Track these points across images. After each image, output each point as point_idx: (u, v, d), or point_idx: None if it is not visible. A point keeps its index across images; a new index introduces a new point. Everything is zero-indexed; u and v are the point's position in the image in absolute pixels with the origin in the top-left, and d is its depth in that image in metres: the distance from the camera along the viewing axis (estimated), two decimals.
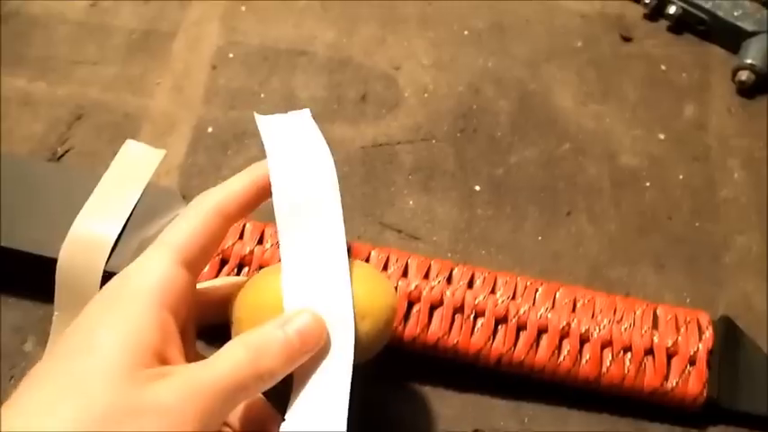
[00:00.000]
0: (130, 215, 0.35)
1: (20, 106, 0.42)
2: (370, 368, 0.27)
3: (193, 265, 0.25)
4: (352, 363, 0.24)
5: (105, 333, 0.22)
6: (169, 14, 0.46)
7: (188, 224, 0.25)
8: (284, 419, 0.24)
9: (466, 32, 0.46)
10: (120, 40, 0.45)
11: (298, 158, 0.27)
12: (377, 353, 0.27)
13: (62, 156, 0.40)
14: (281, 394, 0.25)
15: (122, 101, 0.42)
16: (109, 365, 0.21)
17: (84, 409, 0.20)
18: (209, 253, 0.26)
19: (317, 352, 0.24)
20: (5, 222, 0.34)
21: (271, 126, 0.28)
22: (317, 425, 0.23)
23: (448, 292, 0.32)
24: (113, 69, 0.44)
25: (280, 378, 0.24)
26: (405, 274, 0.33)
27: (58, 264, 0.33)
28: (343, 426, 0.23)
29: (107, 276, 0.32)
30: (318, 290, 0.25)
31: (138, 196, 0.35)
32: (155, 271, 0.24)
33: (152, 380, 0.21)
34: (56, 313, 0.33)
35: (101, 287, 0.32)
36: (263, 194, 0.27)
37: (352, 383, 0.24)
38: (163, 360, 0.23)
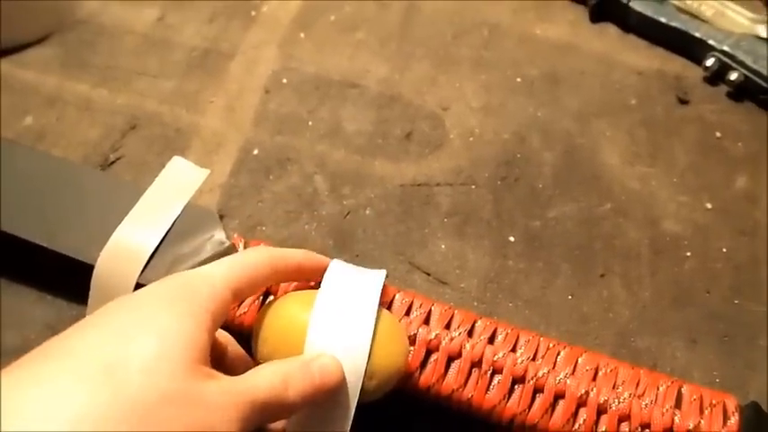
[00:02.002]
0: (168, 231, 0.36)
1: (79, 111, 0.44)
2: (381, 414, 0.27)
3: (236, 296, 0.26)
4: (352, 416, 0.25)
5: (169, 321, 0.23)
6: (231, 36, 0.47)
7: (244, 259, 0.27)
8: None
9: (518, 79, 0.46)
10: (180, 56, 0.46)
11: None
12: (374, 401, 0.28)
13: (113, 163, 0.42)
14: None
15: (176, 115, 0.44)
16: (174, 354, 0.22)
17: (149, 389, 0.21)
18: (248, 293, 0.27)
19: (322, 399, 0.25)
20: (49, 224, 0.35)
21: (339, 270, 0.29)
22: None
23: (468, 345, 0.32)
24: (171, 84, 0.45)
25: (295, 411, 0.24)
26: (427, 321, 0.33)
27: (95, 271, 0.34)
28: None
29: (138, 288, 0.33)
30: (341, 338, 0.26)
31: (178, 213, 0.36)
32: (218, 289, 0.25)
33: (205, 377, 0.23)
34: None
35: None
36: (302, 277, 0.30)
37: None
38: (207, 363, 0.24)
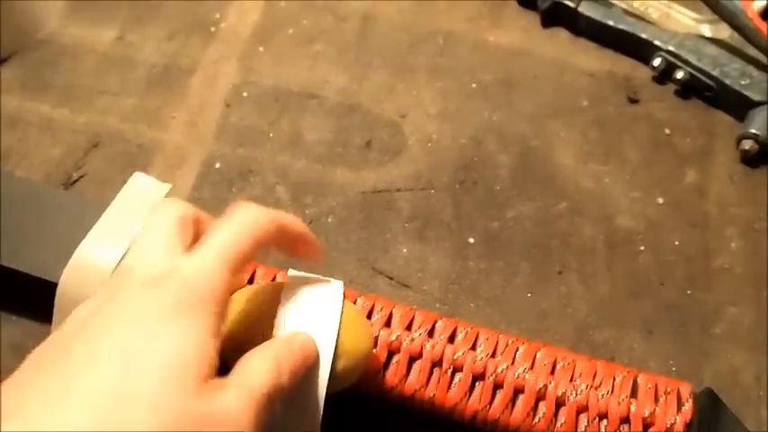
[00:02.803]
0: (131, 245, 0.36)
1: (41, 131, 0.44)
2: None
3: (236, 273, 0.26)
4: (325, 393, 0.27)
5: (173, 343, 0.23)
6: (190, 52, 0.48)
7: (240, 231, 0.26)
8: None
9: (474, 85, 0.47)
10: (141, 74, 0.47)
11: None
12: (342, 389, 0.29)
13: (76, 181, 0.42)
14: None
15: (138, 132, 0.44)
16: (181, 381, 0.22)
17: (157, 417, 0.21)
18: (244, 267, 0.27)
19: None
20: (11, 243, 0.36)
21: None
22: None
23: (428, 345, 0.33)
24: (132, 101, 0.45)
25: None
26: (388, 323, 0.33)
27: (59, 288, 0.34)
28: None
29: None
30: (310, 318, 0.28)
31: (141, 227, 0.37)
32: (218, 281, 0.24)
33: (215, 390, 0.23)
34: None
35: None
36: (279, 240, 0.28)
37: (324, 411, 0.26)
38: (215, 370, 0.24)
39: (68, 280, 0.34)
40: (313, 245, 0.30)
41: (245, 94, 0.46)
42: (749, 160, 0.43)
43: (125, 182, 0.38)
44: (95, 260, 0.35)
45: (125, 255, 0.35)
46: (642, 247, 0.40)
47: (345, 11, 0.50)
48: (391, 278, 0.39)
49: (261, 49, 0.48)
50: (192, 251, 0.25)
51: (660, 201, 0.42)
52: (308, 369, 0.27)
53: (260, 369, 0.24)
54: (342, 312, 0.29)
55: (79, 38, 0.48)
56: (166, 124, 0.44)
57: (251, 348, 0.27)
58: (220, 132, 0.44)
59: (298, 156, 0.43)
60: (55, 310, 0.34)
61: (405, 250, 0.40)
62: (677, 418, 0.31)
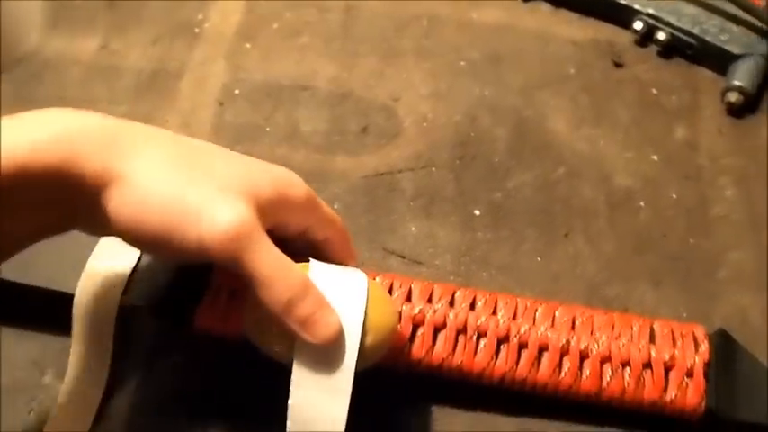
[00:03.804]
0: None
1: None
2: (377, 390, 0.28)
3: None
4: (354, 368, 0.27)
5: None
6: (177, 55, 0.48)
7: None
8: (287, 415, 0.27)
9: (462, 63, 0.47)
10: (129, 81, 0.47)
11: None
12: (371, 365, 0.29)
13: None
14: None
15: None
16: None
17: None
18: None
19: (322, 354, 0.27)
20: (22, 259, 0.35)
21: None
22: (319, 422, 0.26)
23: (451, 315, 0.33)
24: (123, 108, 0.45)
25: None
26: (408, 298, 0.34)
27: (76, 299, 0.34)
28: (343, 424, 0.26)
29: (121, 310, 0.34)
30: (337, 293, 0.28)
31: None
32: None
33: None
34: (73, 346, 0.34)
35: (115, 321, 0.34)
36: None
37: (353, 389, 0.27)
38: None
39: (84, 290, 0.35)
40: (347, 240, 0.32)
41: (236, 92, 0.46)
42: (735, 111, 0.45)
43: None
44: (109, 268, 0.35)
45: (140, 256, 0.35)
46: (642, 204, 0.41)
47: (328, 2, 0.50)
48: (403, 257, 0.39)
49: (248, 46, 0.48)
50: None
51: (654, 158, 0.43)
52: (332, 347, 0.27)
53: None
54: (367, 289, 0.29)
55: (62, 50, 0.48)
56: (161, 128, 0.44)
57: (278, 330, 0.28)
58: (216, 131, 0.44)
59: (296, 147, 0.44)
60: (74, 320, 0.34)
61: (413, 228, 0.40)
62: (696, 358, 0.33)
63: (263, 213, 0.27)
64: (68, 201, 0.26)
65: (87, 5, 0.50)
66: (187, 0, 0.51)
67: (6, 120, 0.25)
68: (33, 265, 0.35)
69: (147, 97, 0.46)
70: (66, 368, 0.34)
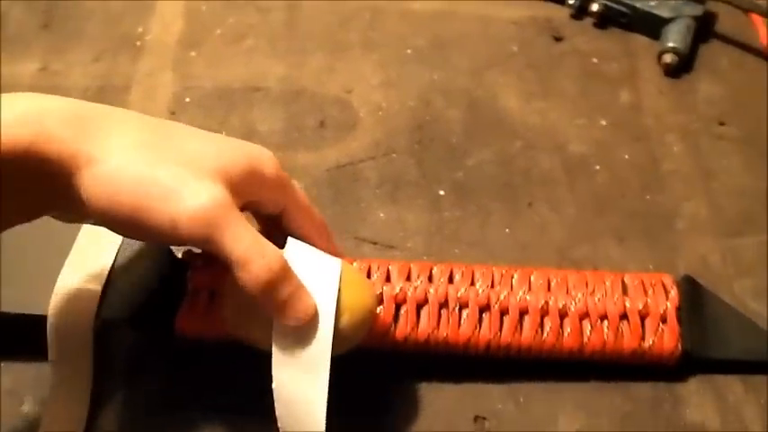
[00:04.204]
0: (113, 263, 0.35)
1: None
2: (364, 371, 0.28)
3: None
4: (330, 347, 0.27)
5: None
6: (121, 69, 0.47)
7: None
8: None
9: (409, 51, 0.48)
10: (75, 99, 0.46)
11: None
12: (351, 347, 0.30)
13: None
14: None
15: None
16: None
17: None
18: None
19: (299, 336, 0.27)
20: None
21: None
22: (301, 401, 0.26)
23: (431, 290, 0.34)
24: None
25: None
26: (388, 279, 0.34)
27: (49, 322, 0.33)
28: (323, 406, 0.26)
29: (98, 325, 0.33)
30: (311, 274, 0.28)
31: (119, 243, 0.36)
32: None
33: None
34: (52, 369, 0.33)
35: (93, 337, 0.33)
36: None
37: (330, 371, 0.27)
38: None
39: (58, 309, 0.34)
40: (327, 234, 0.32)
41: (187, 100, 0.46)
42: (671, 72, 0.47)
43: None
44: (81, 285, 0.34)
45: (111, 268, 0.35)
46: (597, 167, 0.43)
47: (268, 2, 0.50)
48: (375, 243, 0.40)
49: (193, 54, 0.48)
50: None
51: (603, 123, 0.45)
52: (311, 326, 0.27)
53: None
54: (341, 270, 0.29)
55: (2, 76, 0.47)
56: None
57: (251, 311, 0.28)
58: None
59: None
60: (49, 342, 0.33)
61: (382, 215, 0.41)
62: (668, 304, 0.34)
63: (235, 191, 0.27)
64: (41, 183, 0.26)
65: (22, 30, 0.49)
66: (124, 15, 0.50)
67: None
68: None
69: None
70: (43, 394, 0.33)
